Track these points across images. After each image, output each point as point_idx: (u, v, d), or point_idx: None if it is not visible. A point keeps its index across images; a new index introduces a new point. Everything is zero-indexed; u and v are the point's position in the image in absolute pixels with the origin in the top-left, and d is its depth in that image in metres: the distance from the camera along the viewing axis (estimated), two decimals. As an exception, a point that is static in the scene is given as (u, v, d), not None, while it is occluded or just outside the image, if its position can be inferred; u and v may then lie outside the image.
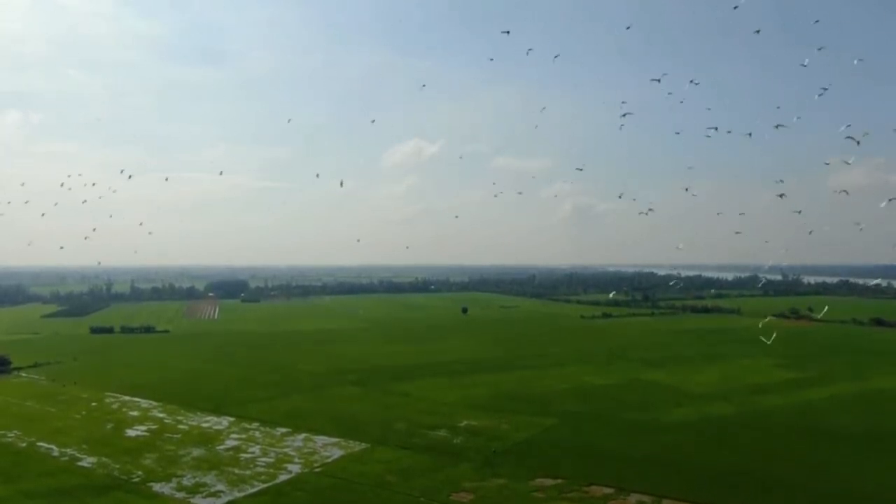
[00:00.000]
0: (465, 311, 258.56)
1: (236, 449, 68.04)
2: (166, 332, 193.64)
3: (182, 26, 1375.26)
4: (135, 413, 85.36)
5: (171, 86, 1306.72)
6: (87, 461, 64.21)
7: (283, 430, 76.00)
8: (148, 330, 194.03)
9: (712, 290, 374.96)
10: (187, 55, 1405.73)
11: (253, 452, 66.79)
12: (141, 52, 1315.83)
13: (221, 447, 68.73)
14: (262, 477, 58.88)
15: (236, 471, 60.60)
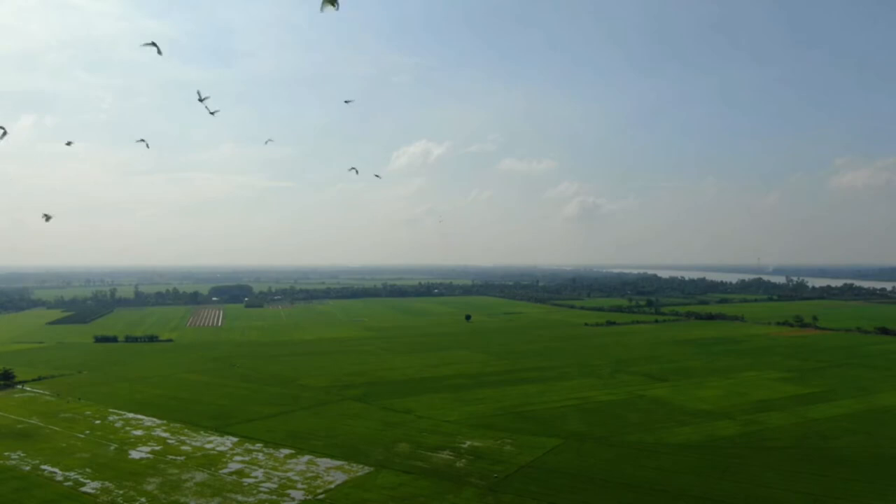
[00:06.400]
0: (468, 318, 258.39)
1: (239, 473, 68.05)
2: (170, 341, 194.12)
3: (192, 27, 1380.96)
4: (138, 432, 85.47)
5: (180, 86, 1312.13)
6: (91, 486, 64.29)
7: (287, 451, 76.01)
8: (152, 339, 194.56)
9: (717, 295, 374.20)
10: (197, 55, 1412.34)
11: (256, 477, 66.80)
12: (151, 52, 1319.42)
13: (225, 471, 68.74)
14: (265, 505, 58.88)
15: (239, 498, 60.61)
